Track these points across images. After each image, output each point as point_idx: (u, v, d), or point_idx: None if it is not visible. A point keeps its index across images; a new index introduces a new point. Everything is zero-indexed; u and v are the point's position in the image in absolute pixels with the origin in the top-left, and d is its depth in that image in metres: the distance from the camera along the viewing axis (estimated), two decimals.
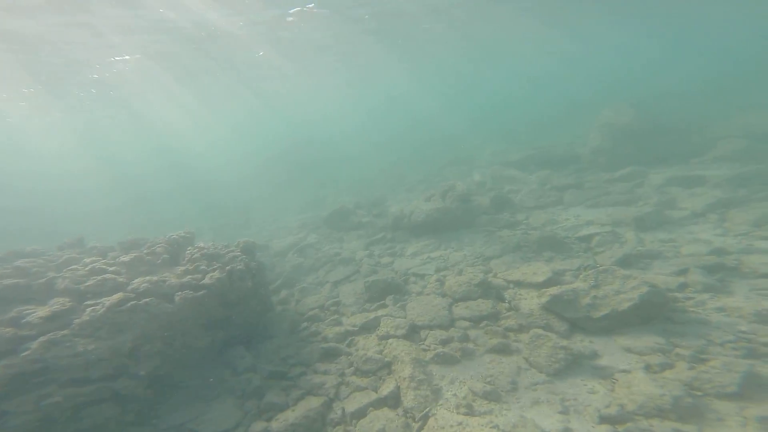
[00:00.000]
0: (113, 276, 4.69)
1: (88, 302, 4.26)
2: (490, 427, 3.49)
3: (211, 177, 32.95)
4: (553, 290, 4.98)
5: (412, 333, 5.55)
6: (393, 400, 4.15)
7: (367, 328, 5.84)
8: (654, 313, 4.59)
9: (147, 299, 4.25)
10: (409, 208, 10.26)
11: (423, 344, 5.24)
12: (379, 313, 6.16)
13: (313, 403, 4.13)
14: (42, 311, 3.97)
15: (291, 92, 37.85)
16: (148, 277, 4.57)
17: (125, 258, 5.05)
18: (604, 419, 3.31)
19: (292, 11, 15.89)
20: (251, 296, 5.46)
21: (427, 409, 3.89)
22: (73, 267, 4.90)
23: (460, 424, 3.63)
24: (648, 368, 3.82)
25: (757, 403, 3.07)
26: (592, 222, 8.50)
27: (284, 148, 32.05)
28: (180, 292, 4.46)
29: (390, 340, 5.25)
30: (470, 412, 3.79)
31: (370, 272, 8.31)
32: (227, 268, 5.16)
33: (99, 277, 4.61)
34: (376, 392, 4.29)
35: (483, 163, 18.36)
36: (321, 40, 20.45)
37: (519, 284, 6.27)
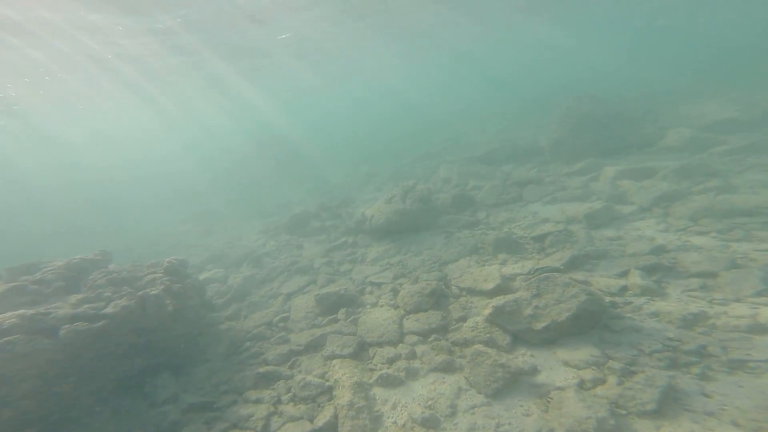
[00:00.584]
0: None
1: None
2: None
3: (184, 184, 31.52)
4: (496, 301, 4.98)
5: (360, 351, 5.46)
6: None
7: (314, 346, 5.70)
8: (593, 322, 4.66)
9: (9, 338, 3.83)
10: (371, 210, 10.11)
11: (370, 363, 5.15)
12: (328, 329, 6.03)
13: None
14: None
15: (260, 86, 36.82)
16: (21, 311, 4.13)
17: None
18: None
19: None
20: (174, 321, 5.17)
21: None
22: None
23: None
24: (581, 385, 3.86)
25: (671, 420, 3.14)
26: (548, 220, 8.62)
27: (249, 150, 30.96)
28: (68, 325, 4.08)
29: (335, 361, 5.13)
30: None
31: (327, 282, 8.16)
32: (139, 293, 4.84)
33: None
34: (312, 422, 4.16)
35: (454, 156, 18.38)
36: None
37: (471, 291, 6.27)
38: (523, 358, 4.54)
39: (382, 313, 6.19)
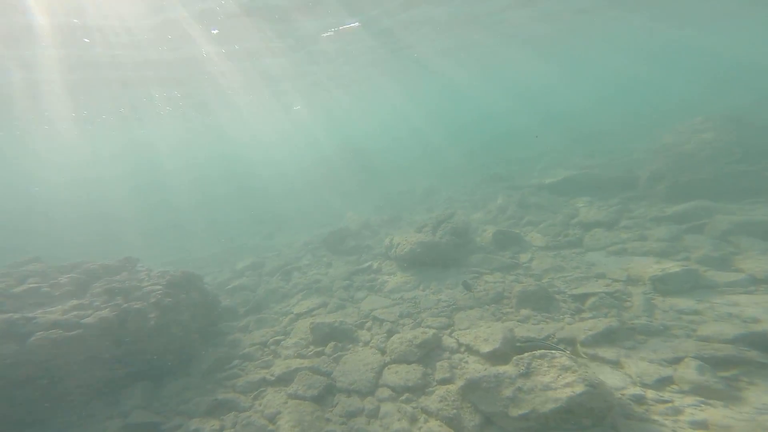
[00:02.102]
0: None
1: None
2: None
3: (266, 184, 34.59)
4: (471, 374, 4.22)
5: (327, 395, 5.16)
6: None
7: (285, 380, 5.56)
8: (592, 421, 3.64)
9: None
10: (399, 237, 9.75)
11: (330, 412, 4.81)
12: (306, 363, 5.84)
13: None
14: None
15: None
16: (8, 315, 4.67)
17: (18, 289, 5.40)
18: None
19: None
20: (158, 334, 5.51)
21: None
22: None
23: None
24: None
25: None
26: (603, 276, 7.21)
27: (328, 156, 32.84)
28: (42, 332, 4.56)
29: (292, 402, 4.91)
30: None
31: (337, 308, 8.04)
32: (123, 306, 5.27)
33: None
34: None
35: (525, 180, 16.86)
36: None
37: (469, 349, 5.50)
38: None
39: (366, 355, 5.81)
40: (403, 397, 4.79)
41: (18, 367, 4.44)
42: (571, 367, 3.94)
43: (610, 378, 4.45)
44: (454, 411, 4.16)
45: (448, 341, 5.84)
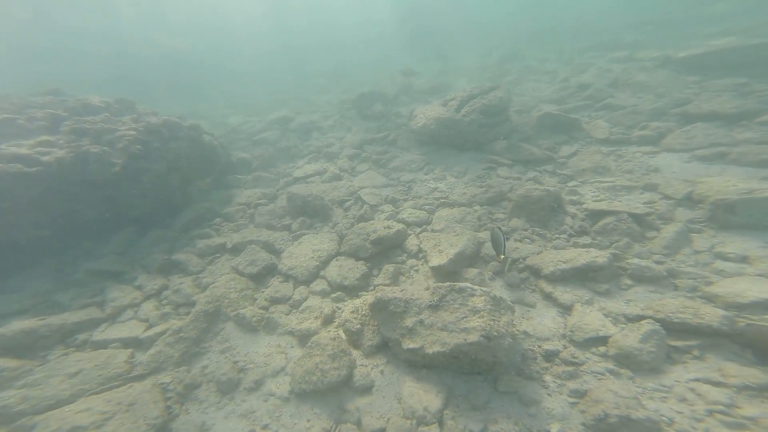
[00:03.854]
0: None
1: None
2: None
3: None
4: (383, 293, 3.70)
5: (266, 275, 5.13)
6: (135, 343, 4.19)
7: (238, 250, 5.65)
8: (476, 369, 3.17)
9: None
10: (421, 109, 8.33)
11: (259, 292, 4.86)
12: (263, 236, 5.80)
13: (78, 317, 4.45)
14: None
15: None
16: None
17: None
18: None
19: None
20: (128, 181, 5.66)
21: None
22: None
23: None
24: None
25: None
26: (655, 187, 5.47)
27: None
28: (2, 165, 4.80)
29: (231, 276, 5.02)
30: None
31: (331, 178, 7.68)
32: (83, 148, 5.31)
33: None
34: (143, 330, 4.34)
35: (650, 51, 12.53)
36: None
37: (426, 257, 4.87)
38: (368, 370, 3.52)
39: (322, 241, 5.53)
40: (334, 295, 4.55)
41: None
42: (482, 310, 3.19)
43: (542, 325, 3.64)
44: (359, 326, 3.86)
45: (413, 242, 5.23)
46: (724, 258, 4.02)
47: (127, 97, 7.60)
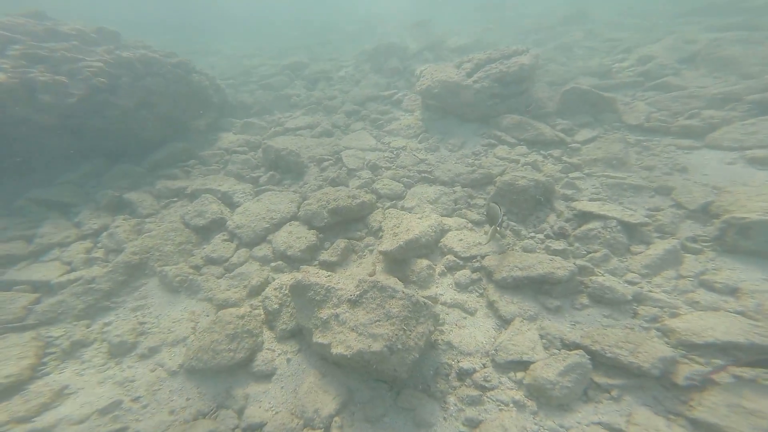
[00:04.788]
0: None
1: None
2: None
3: None
4: (305, 275, 3.36)
5: (213, 230, 4.91)
6: (45, 288, 4.10)
7: (194, 197, 5.44)
8: (374, 377, 2.80)
9: None
10: (429, 69, 7.50)
11: (201, 249, 4.67)
12: (224, 187, 5.53)
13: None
14: None
15: None
16: None
17: None
18: None
19: None
20: (92, 113, 5.48)
21: None
22: None
23: None
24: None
25: None
26: (669, 191, 4.64)
27: None
28: None
29: (175, 225, 4.81)
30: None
31: (321, 133, 7.24)
32: (29, 75, 5.04)
33: None
34: (61, 275, 4.24)
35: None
36: None
37: (383, 234, 4.45)
38: (274, 356, 3.29)
39: (282, 200, 5.17)
40: (275, 264, 4.25)
41: None
42: (396, 317, 2.79)
43: (472, 338, 3.20)
44: (277, 306, 3.57)
45: (377, 218, 4.79)
46: (709, 287, 3.34)
47: (109, 27, 7.21)
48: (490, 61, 6.95)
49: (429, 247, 4.15)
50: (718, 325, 2.83)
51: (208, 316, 3.73)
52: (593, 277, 3.47)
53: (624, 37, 11.02)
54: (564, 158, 5.57)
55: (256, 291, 3.93)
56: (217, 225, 4.90)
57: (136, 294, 4.05)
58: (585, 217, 4.20)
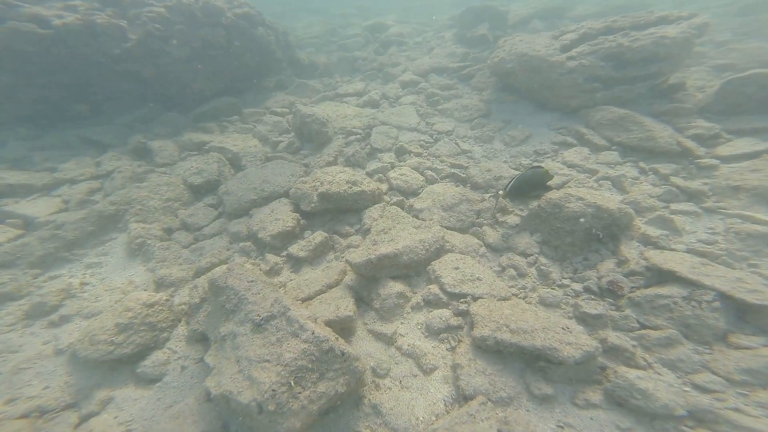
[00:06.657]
0: None
1: None
2: None
3: None
4: (225, 275, 2.62)
5: (207, 191, 4.58)
6: (31, 226, 3.94)
7: (209, 152, 5.12)
8: None
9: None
10: (517, 38, 5.96)
11: (183, 212, 4.30)
12: (239, 148, 5.05)
13: (18, 179, 4.49)
14: None
15: None
16: None
17: None
18: None
19: None
20: (145, 59, 5.52)
21: None
22: None
23: None
24: None
25: None
26: None
27: None
28: (14, 22, 4.69)
29: (174, 180, 4.53)
30: None
31: (366, 103, 6.49)
32: (92, 17, 4.96)
33: None
34: (49, 214, 4.23)
35: None
36: None
37: (369, 238, 3.53)
38: (169, 359, 2.71)
39: (280, 174, 4.50)
40: (242, 245, 3.68)
41: None
42: (287, 365, 1.95)
43: (409, 409, 2.15)
44: (197, 301, 2.96)
45: (375, 213, 3.80)
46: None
47: None
48: (609, 32, 5.16)
49: (413, 267, 3.11)
50: None
51: (145, 290, 3.30)
52: (625, 369, 2.11)
53: None
54: (678, 178, 3.81)
55: (200, 274, 3.40)
56: (211, 186, 4.54)
57: (99, 249, 3.83)
58: (662, 276, 2.67)
